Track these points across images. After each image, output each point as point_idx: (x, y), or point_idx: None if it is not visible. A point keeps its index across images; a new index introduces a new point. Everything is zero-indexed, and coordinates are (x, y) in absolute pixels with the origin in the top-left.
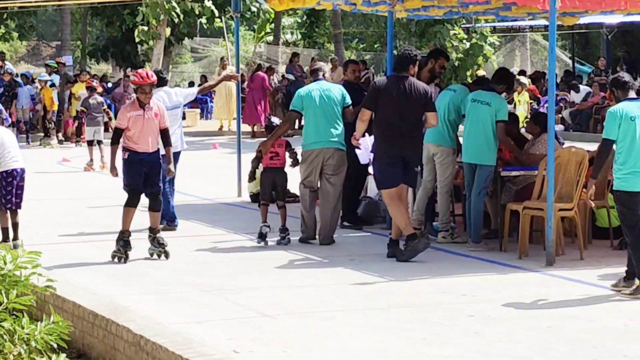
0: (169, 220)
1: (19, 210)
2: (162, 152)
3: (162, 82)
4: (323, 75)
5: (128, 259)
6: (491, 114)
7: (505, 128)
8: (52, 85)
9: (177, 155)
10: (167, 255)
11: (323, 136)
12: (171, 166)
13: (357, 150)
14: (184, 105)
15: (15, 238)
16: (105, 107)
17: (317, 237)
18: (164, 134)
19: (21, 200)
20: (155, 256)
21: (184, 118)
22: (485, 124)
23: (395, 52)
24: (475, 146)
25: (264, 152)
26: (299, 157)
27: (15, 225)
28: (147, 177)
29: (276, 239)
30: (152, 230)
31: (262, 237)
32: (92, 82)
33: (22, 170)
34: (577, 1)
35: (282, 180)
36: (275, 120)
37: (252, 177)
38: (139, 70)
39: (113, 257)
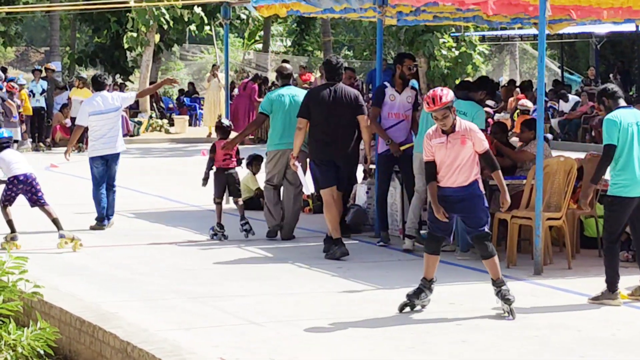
0: (104, 218)
1: (48, 206)
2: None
3: (100, 86)
4: (292, 81)
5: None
6: None
7: (494, 136)
8: (43, 91)
9: (117, 156)
10: (512, 314)
11: (289, 138)
12: (507, 196)
13: (299, 173)
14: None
15: (60, 228)
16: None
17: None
18: (486, 158)
19: (39, 198)
20: (502, 312)
21: (172, 125)
22: None
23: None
24: None
25: (229, 149)
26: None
27: (55, 221)
28: (463, 219)
29: (238, 228)
30: (496, 283)
31: (215, 235)
32: (13, 87)
33: (26, 176)
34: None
35: (234, 180)
36: (225, 122)
37: (206, 179)
38: (429, 93)
39: (403, 308)
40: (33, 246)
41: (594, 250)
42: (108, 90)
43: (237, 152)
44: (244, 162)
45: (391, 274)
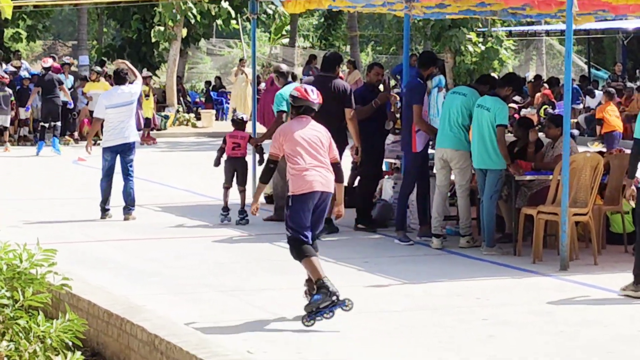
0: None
1: None
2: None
3: (122, 81)
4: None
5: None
6: (491, 119)
7: (516, 135)
8: (72, 87)
9: (128, 146)
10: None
11: None
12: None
13: None
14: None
15: None
16: (13, 99)
17: None
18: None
19: None
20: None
21: (199, 119)
22: (489, 129)
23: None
24: (483, 151)
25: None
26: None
27: None
28: None
29: (236, 220)
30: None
31: (222, 220)
32: (3, 77)
33: None
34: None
35: (242, 168)
36: (239, 115)
37: (217, 163)
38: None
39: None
40: (62, 239)
41: (620, 246)
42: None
43: (250, 137)
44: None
45: (418, 269)
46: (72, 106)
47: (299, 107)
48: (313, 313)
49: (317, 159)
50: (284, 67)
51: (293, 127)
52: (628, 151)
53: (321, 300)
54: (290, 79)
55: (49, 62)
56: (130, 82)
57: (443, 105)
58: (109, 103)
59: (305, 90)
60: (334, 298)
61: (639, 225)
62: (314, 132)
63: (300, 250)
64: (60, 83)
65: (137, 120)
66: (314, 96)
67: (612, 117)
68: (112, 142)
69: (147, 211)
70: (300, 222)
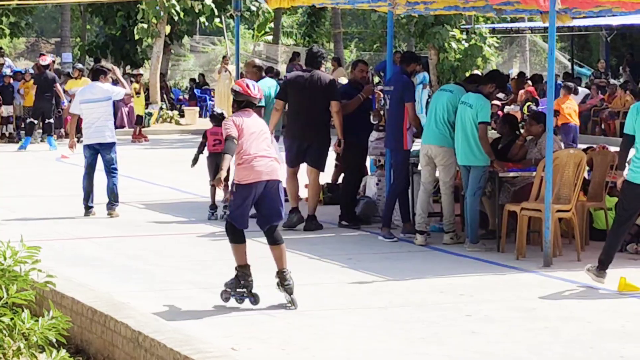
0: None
1: None
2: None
3: (96, 77)
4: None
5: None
6: (473, 116)
7: (500, 132)
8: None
9: (107, 146)
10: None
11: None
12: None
13: None
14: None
15: None
16: None
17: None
18: None
19: None
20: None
21: (182, 116)
22: (471, 126)
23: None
24: (467, 148)
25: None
26: None
27: None
28: None
29: (221, 215)
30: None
31: (209, 217)
32: None
33: None
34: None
35: None
36: (218, 110)
37: (194, 163)
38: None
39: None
40: (45, 236)
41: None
42: (109, 81)
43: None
44: None
45: (402, 265)
46: (65, 105)
47: (241, 102)
48: (229, 293)
49: (264, 149)
50: (258, 61)
51: (243, 117)
52: (613, 148)
53: (235, 285)
54: (263, 73)
55: (47, 59)
56: (114, 83)
57: (430, 102)
58: (82, 98)
59: (247, 85)
60: (246, 289)
61: (618, 215)
62: (260, 125)
63: (231, 235)
64: (55, 82)
65: (120, 118)
66: (255, 91)
67: (568, 109)
68: (90, 141)
69: (130, 208)
70: (239, 210)
